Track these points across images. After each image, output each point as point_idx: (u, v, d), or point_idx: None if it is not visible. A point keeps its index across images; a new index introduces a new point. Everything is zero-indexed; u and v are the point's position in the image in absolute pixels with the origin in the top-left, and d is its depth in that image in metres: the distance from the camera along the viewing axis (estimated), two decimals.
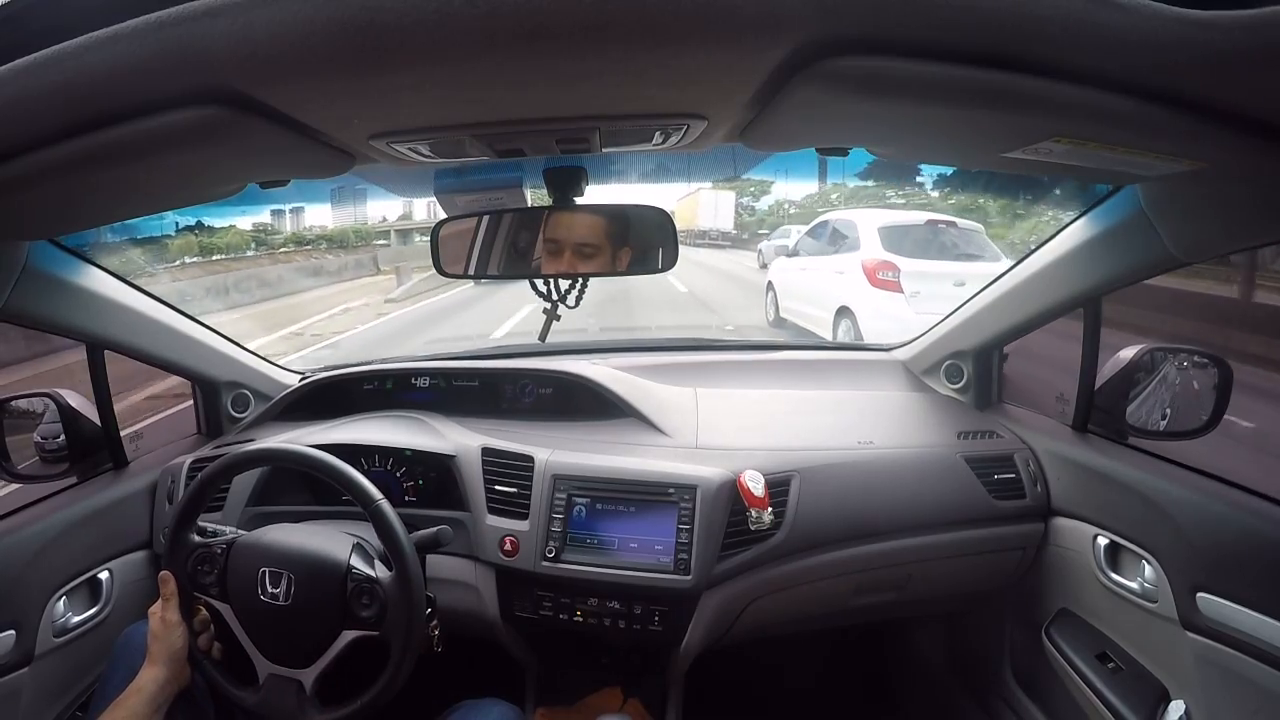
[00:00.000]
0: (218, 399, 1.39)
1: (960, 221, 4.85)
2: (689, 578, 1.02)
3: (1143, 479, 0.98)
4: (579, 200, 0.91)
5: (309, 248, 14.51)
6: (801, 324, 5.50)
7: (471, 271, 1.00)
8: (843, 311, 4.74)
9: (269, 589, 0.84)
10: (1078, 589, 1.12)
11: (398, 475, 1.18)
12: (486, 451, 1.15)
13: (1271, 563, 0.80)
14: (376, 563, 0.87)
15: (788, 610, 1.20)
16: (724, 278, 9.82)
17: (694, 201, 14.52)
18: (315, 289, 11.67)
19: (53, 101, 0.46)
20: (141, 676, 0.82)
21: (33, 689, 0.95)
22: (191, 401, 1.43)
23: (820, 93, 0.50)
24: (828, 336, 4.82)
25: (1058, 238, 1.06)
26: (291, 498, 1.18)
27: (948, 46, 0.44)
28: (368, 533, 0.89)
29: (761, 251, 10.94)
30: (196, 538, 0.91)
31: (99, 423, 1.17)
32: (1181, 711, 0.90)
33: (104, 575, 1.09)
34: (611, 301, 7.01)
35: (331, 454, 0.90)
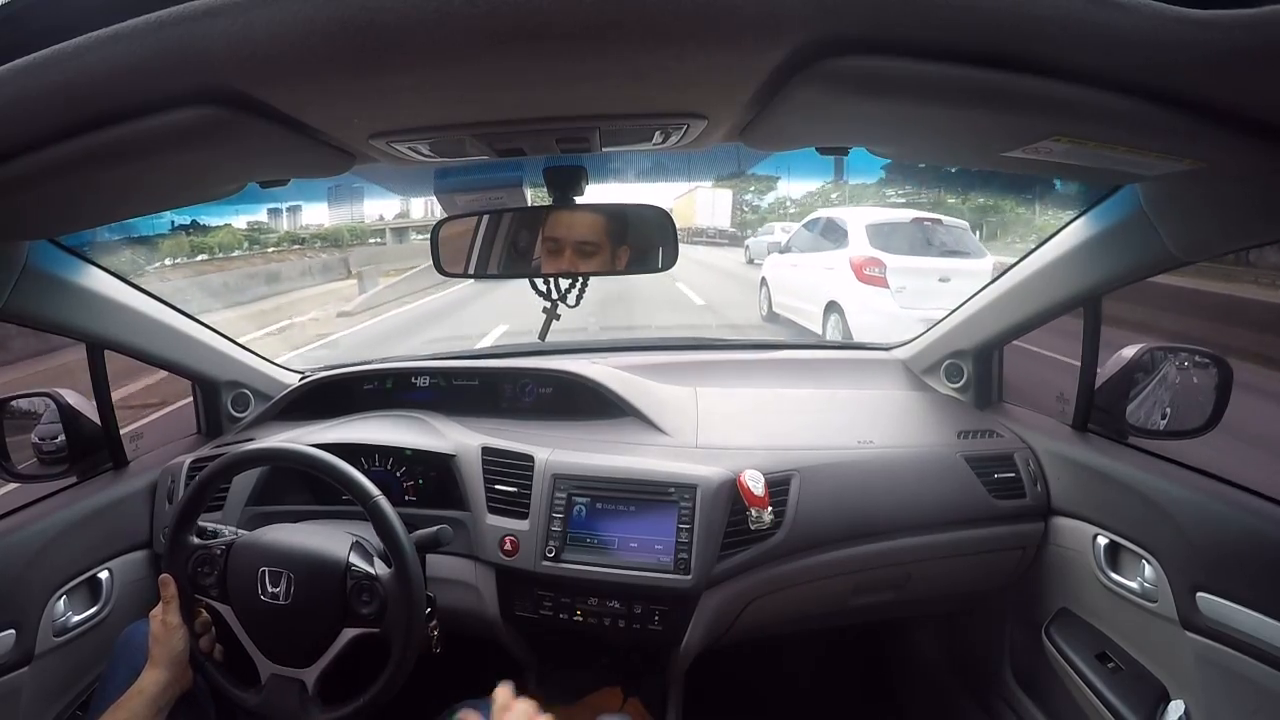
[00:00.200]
0: (217, 399, 1.39)
1: (946, 219, 4.92)
2: (689, 577, 1.02)
3: (1143, 478, 0.98)
4: (579, 199, 0.91)
5: (300, 246, 13.86)
6: (793, 319, 5.55)
7: (471, 271, 1.01)
8: (831, 306, 4.80)
9: (269, 589, 0.84)
10: (1077, 589, 1.12)
11: (398, 475, 1.18)
12: (486, 451, 1.15)
13: (1271, 563, 0.80)
14: (376, 560, 0.87)
15: (787, 610, 1.20)
16: (722, 275, 9.80)
17: (691, 200, 14.52)
18: (266, 298, 9.88)
19: (53, 101, 0.46)
20: (143, 678, 0.82)
21: (33, 688, 0.95)
22: (191, 400, 1.43)
23: (820, 93, 0.50)
24: (818, 331, 4.87)
25: (1057, 237, 1.06)
26: (291, 497, 1.18)
27: (947, 46, 0.44)
28: (367, 531, 0.90)
29: (749, 248, 10.98)
30: (196, 539, 0.91)
31: (99, 422, 1.17)
32: (1181, 711, 0.90)
33: (104, 575, 1.09)
34: (614, 300, 7.00)
35: (331, 453, 0.90)
